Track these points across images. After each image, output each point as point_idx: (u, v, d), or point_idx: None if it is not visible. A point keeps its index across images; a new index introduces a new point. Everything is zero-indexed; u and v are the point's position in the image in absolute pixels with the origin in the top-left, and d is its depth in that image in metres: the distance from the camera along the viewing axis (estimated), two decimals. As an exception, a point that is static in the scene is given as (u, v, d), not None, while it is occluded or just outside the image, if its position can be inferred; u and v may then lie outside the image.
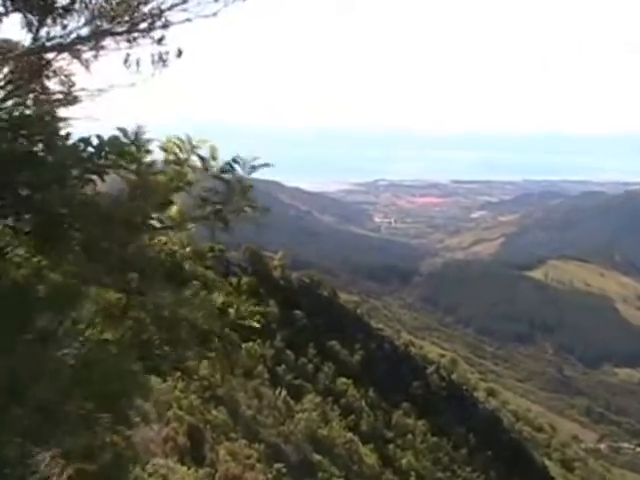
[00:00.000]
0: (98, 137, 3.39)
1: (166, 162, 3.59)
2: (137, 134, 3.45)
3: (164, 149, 3.62)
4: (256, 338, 49.07)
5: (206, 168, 3.55)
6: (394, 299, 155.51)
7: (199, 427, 22.89)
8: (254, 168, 3.56)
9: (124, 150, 3.29)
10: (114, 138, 3.37)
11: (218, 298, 3.81)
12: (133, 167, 3.38)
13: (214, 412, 27.88)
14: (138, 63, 4.21)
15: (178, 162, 3.58)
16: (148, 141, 3.66)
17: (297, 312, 57.83)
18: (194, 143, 3.66)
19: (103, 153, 3.17)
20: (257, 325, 4.09)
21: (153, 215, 3.57)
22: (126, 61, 4.22)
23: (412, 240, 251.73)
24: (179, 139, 3.68)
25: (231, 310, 3.80)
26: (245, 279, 56.63)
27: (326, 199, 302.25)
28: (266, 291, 58.09)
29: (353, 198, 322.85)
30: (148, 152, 3.53)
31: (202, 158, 3.57)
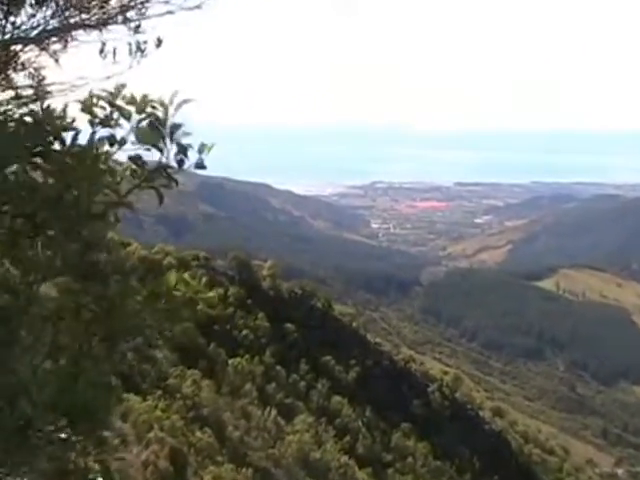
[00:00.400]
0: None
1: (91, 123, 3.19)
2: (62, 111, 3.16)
3: (87, 110, 3.24)
4: (244, 353, 49.11)
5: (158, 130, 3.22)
6: (393, 311, 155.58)
7: (182, 450, 22.77)
8: (173, 107, 3.07)
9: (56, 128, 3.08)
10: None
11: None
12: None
13: (198, 434, 27.82)
14: (115, 53, 4.22)
15: (106, 123, 3.24)
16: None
17: (288, 325, 57.83)
18: (129, 97, 3.25)
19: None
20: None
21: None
22: (102, 51, 4.22)
23: (412, 247, 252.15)
24: (107, 92, 3.30)
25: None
26: (232, 289, 56.70)
27: (319, 203, 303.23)
28: (255, 302, 58.11)
29: (348, 202, 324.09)
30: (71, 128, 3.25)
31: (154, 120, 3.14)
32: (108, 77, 4.30)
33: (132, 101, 3.07)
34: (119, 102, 3.05)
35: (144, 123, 3.14)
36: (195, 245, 79.13)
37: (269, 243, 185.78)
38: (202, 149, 3.18)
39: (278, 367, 50.86)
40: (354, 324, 71.38)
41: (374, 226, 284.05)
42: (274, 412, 40.43)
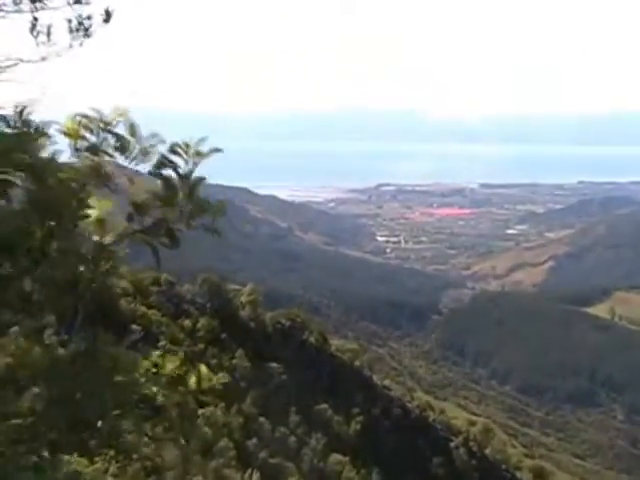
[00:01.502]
0: None
1: (75, 150, 3.40)
2: (24, 120, 3.28)
3: (67, 133, 3.48)
4: (217, 401, 48.92)
5: (124, 151, 3.39)
6: (405, 346, 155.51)
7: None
8: (200, 155, 3.38)
9: (10, 143, 3.14)
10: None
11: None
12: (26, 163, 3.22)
13: (160, 505, 27.60)
14: (49, 31, 4.22)
15: (92, 150, 3.40)
16: (43, 126, 3.53)
17: (273, 365, 57.75)
18: (108, 119, 3.48)
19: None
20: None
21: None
22: (33, 28, 4.22)
23: (428, 266, 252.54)
24: (85, 116, 3.54)
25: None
26: (203, 321, 56.67)
27: (311, 212, 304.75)
28: (231, 337, 58.03)
29: (348, 210, 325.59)
30: (44, 141, 3.36)
31: (120, 140, 3.37)
32: (43, 58, 4.33)
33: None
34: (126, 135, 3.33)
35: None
36: (155, 266, 78.75)
37: (249, 262, 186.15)
38: (218, 211, 3.49)
39: (261, 418, 50.67)
40: (356, 363, 71.32)
41: (380, 239, 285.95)
42: (256, 476, 40.24)
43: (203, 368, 3.94)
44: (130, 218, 3.61)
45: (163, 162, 3.41)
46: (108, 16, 4.22)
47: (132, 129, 3.34)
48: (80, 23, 4.19)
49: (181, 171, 3.49)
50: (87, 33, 4.21)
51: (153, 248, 3.37)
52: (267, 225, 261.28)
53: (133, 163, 3.45)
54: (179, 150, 3.38)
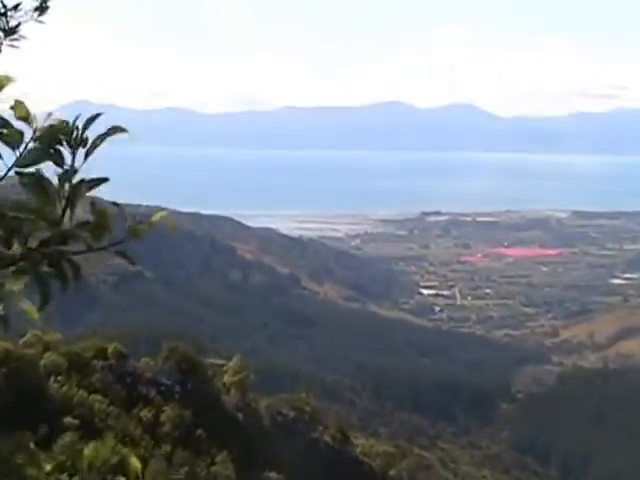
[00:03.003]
0: None
1: None
2: None
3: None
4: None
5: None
6: (463, 448, 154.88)
7: None
8: (103, 136, 3.27)
9: None
10: None
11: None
12: None
13: None
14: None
15: None
16: None
17: (271, 475, 57.79)
18: None
19: None
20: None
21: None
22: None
23: (497, 331, 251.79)
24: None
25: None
26: (169, 411, 56.77)
27: (326, 252, 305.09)
28: (210, 433, 58.11)
29: (379, 250, 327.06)
30: None
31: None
32: None
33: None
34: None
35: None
36: (101, 330, 78.98)
37: (235, 325, 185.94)
38: (137, 230, 3.45)
39: None
40: (391, 472, 71.26)
41: (426, 293, 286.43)
42: None
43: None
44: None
45: (39, 154, 3.23)
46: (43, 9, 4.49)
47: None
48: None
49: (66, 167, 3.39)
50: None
51: (41, 284, 3.23)
52: (262, 271, 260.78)
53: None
54: (61, 135, 3.21)
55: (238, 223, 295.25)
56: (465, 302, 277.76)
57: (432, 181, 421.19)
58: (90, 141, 3.08)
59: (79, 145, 3.03)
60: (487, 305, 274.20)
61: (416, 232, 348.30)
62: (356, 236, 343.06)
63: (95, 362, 58.31)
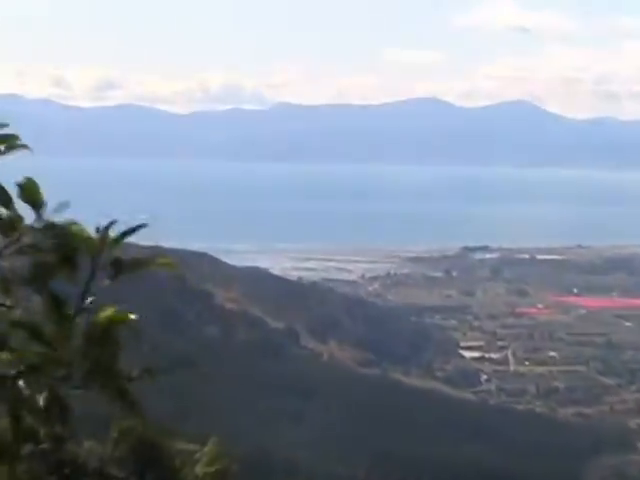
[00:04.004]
0: None
1: None
2: None
3: None
4: None
5: None
6: None
7: None
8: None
9: None
10: None
11: None
12: None
13: None
14: None
15: None
16: None
17: None
18: None
19: None
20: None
21: None
22: None
23: (565, 409, 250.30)
24: None
25: None
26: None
27: (335, 300, 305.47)
28: None
29: (408, 296, 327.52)
30: None
31: None
32: None
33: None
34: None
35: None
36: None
37: (211, 398, 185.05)
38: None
39: None
40: None
41: (468, 355, 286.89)
42: None
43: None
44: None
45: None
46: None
47: None
48: None
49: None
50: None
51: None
52: (248, 325, 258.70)
53: None
54: None
55: (216, 260, 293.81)
56: (521, 368, 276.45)
57: (476, 205, 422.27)
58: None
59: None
60: (551, 373, 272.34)
61: (455, 274, 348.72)
62: (375, 278, 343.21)
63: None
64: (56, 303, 5.01)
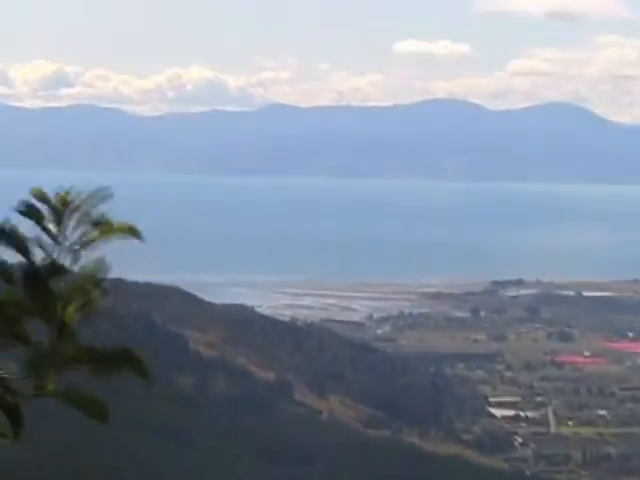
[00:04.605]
0: None
1: None
2: None
3: None
4: None
5: None
6: None
7: None
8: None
9: None
10: None
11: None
12: None
13: None
14: None
15: None
16: None
17: None
18: None
19: None
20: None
21: None
22: None
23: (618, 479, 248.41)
24: None
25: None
26: None
27: (330, 342, 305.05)
28: None
29: (419, 342, 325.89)
30: None
31: None
32: None
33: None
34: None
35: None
36: None
37: (186, 464, 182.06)
38: None
39: None
40: None
41: (499, 414, 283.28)
42: None
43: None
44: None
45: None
46: None
47: None
48: None
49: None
50: None
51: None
52: (230, 375, 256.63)
53: None
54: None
55: (189, 296, 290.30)
56: (564, 430, 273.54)
57: (508, 229, 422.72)
58: None
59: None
60: (601, 436, 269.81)
61: (483, 314, 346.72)
62: (385, 319, 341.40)
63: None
64: None
